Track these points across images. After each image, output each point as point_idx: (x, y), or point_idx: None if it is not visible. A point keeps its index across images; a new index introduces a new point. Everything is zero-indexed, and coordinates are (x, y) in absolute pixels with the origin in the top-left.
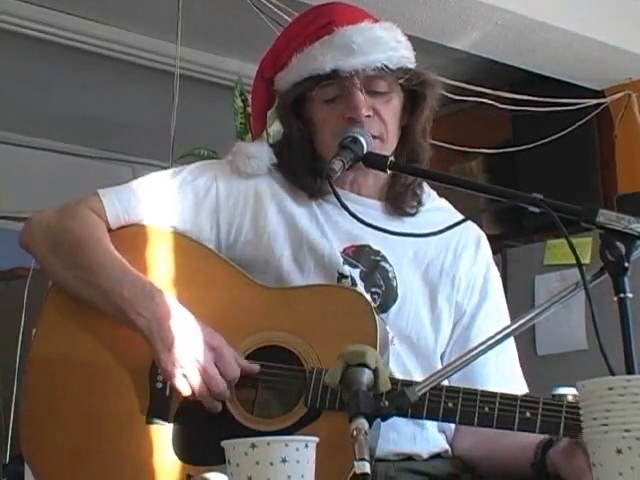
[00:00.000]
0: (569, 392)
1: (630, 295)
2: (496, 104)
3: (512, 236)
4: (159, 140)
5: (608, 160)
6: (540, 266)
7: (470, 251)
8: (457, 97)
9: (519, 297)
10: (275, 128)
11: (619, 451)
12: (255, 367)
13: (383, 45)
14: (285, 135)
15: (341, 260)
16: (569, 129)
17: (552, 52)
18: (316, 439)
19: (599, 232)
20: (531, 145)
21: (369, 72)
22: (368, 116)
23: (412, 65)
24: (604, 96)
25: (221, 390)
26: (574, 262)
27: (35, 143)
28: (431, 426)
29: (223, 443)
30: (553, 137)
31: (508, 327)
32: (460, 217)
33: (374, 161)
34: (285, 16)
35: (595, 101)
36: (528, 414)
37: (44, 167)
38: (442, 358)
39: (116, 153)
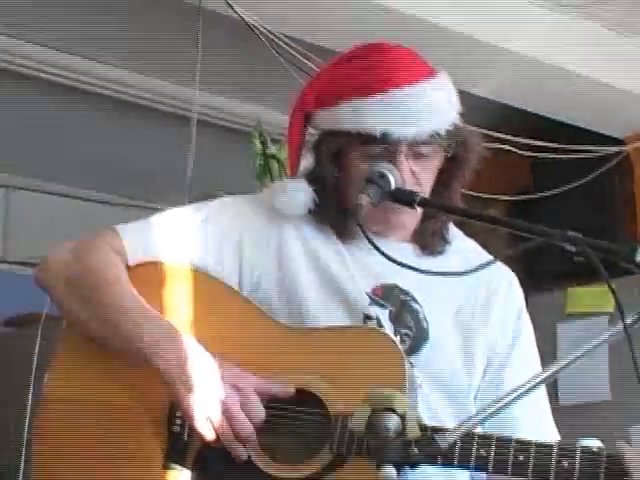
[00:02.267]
0: (593, 444)
1: None
2: (515, 150)
3: (530, 284)
4: (176, 186)
5: (629, 208)
6: (562, 315)
7: (503, 292)
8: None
9: (542, 345)
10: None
11: None
12: (290, 389)
13: (437, 111)
14: (317, 175)
15: (367, 301)
16: (589, 176)
17: (572, 99)
18: None
19: (621, 280)
20: (551, 192)
21: (419, 139)
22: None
23: (458, 122)
24: (624, 143)
25: (247, 434)
26: (597, 310)
27: (50, 188)
28: (462, 477)
29: None
30: (573, 185)
31: (537, 376)
32: (488, 256)
33: (402, 197)
34: (305, 61)
35: (615, 149)
36: (566, 464)
37: (59, 213)
38: (475, 401)
39: (132, 199)
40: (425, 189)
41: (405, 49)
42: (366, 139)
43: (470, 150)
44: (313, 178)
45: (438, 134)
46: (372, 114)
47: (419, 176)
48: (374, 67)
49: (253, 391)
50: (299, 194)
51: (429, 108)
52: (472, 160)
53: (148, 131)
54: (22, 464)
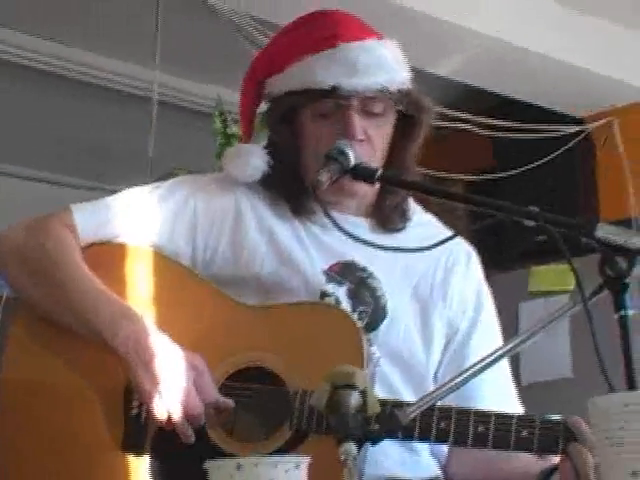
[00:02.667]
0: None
1: (631, 312)
2: (477, 130)
3: (492, 264)
4: (137, 167)
5: (590, 187)
6: (524, 293)
7: (461, 266)
8: (437, 123)
9: (504, 324)
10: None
11: (635, 474)
12: (230, 402)
13: (386, 66)
14: (271, 141)
15: (324, 278)
16: (551, 156)
17: (533, 78)
18: (308, 459)
19: (583, 259)
20: (512, 172)
21: (368, 93)
22: (361, 140)
23: (408, 87)
24: (586, 123)
25: (198, 413)
26: (558, 289)
27: (8, 170)
28: (422, 450)
29: (207, 464)
30: (535, 164)
31: (499, 349)
32: (447, 232)
33: (362, 173)
34: (267, 40)
35: (577, 128)
36: (525, 433)
37: (17, 194)
38: (436, 377)
39: (93, 180)
40: (377, 149)
41: (353, 15)
42: (316, 95)
43: (423, 112)
44: (268, 146)
45: (388, 90)
46: (321, 68)
47: (371, 134)
48: (322, 26)
49: (206, 371)
50: (253, 157)
51: (378, 61)
52: (425, 123)
53: (109, 112)
54: None
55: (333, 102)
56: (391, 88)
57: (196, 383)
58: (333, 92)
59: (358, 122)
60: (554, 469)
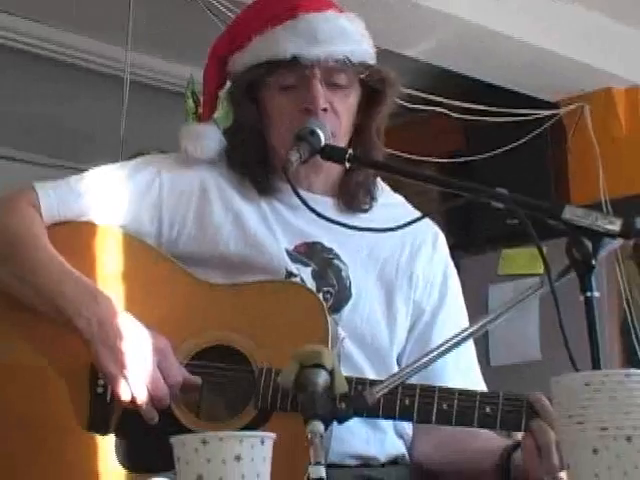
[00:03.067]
0: None
1: (597, 294)
2: (449, 113)
3: (464, 247)
4: (108, 146)
5: (561, 171)
6: (494, 276)
7: (427, 248)
8: (410, 106)
9: (473, 307)
10: (220, 114)
11: (595, 451)
12: (197, 380)
13: (348, 37)
14: (236, 120)
15: (289, 259)
16: (522, 140)
17: (506, 62)
18: (273, 435)
19: (554, 241)
20: (484, 155)
21: (331, 63)
22: (324, 109)
23: (373, 61)
24: (558, 107)
25: (163, 395)
26: (528, 272)
27: None
28: (388, 428)
29: (172, 439)
30: (506, 147)
31: (467, 329)
32: (416, 213)
33: (332, 154)
34: None
35: (548, 112)
36: (488, 409)
37: None
38: (400, 358)
39: (64, 160)
40: (342, 120)
41: None
42: (277, 65)
43: (388, 85)
44: (234, 125)
45: (350, 60)
46: (282, 39)
47: (336, 106)
48: (283, 0)
49: (171, 352)
50: (207, 137)
51: (340, 31)
52: (390, 96)
53: (80, 91)
54: None
55: (295, 73)
56: (354, 59)
57: (161, 365)
58: (294, 62)
59: (321, 92)
60: (516, 446)
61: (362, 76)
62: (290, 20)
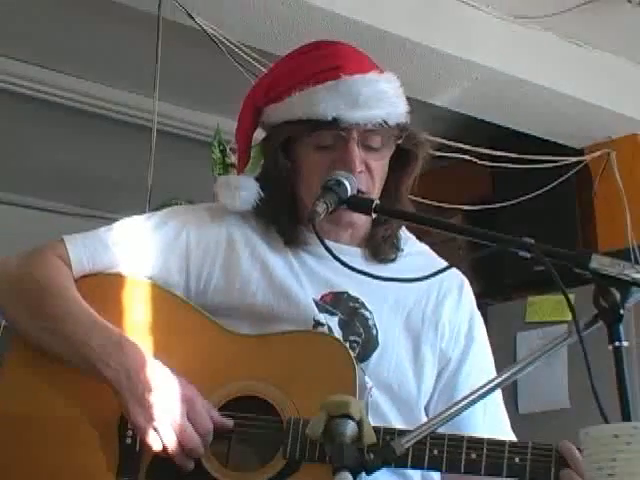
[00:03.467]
0: None
1: (626, 343)
2: (475, 161)
3: (491, 294)
4: (135, 196)
5: (588, 218)
6: (521, 323)
7: (453, 296)
8: (436, 153)
9: (500, 354)
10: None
11: None
12: (229, 422)
13: (386, 100)
14: (267, 172)
15: (317, 308)
16: (549, 186)
17: (531, 109)
18: None
19: (581, 289)
20: (510, 202)
21: (368, 126)
22: (360, 171)
23: (406, 120)
24: (584, 154)
25: (195, 445)
26: (555, 319)
27: (9, 199)
28: (415, 477)
29: None
30: (533, 194)
31: (495, 379)
32: (442, 262)
33: (359, 204)
34: (264, 69)
35: (575, 159)
36: (517, 459)
37: (18, 223)
38: (427, 408)
39: (92, 209)
40: (376, 183)
41: (356, 48)
42: (316, 125)
43: (419, 146)
44: (263, 175)
45: (388, 124)
46: (323, 99)
47: (370, 167)
48: (325, 57)
49: (200, 400)
50: (243, 189)
51: (379, 95)
52: (420, 157)
53: (107, 141)
54: None
55: (333, 134)
56: (390, 122)
57: (190, 415)
58: (334, 123)
59: (358, 155)
60: None
61: (399, 142)
62: (332, 80)
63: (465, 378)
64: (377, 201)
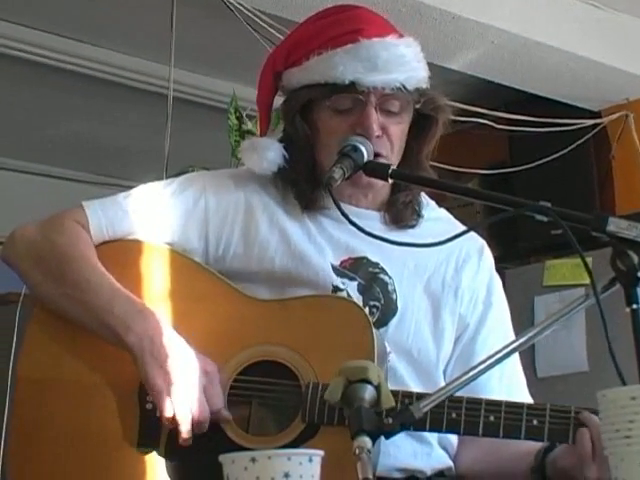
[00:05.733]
0: None
1: None
2: (492, 124)
3: (509, 258)
4: (152, 163)
5: (605, 180)
6: (539, 287)
7: (473, 261)
8: (453, 118)
9: (518, 318)
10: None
11: None
12: (228, 417)
13: (405, 64)
14: (287, 136)
15: (335, 274)
16: (566, 149)
17: (548, 72)
18: (321, 452)
19: (599, 252)
20: (527, 166)
21: (387, 90)
22: (378, 136)
23: (426, 85)
24: (601, 116)
25: (204, 419)
26: (573, 282)
27: (24, 167)
28: (433, 441)
29: (221, 457)
30: (550, 158)
31: (513, 342)
32: (461, 227)
33: (375, 170)
34: (280, 36)
35: (592, 122)
36: (535, 422)
37: (33, 191)
38: (444, 373)
39: (109, 177)
40: (395, 147)
41: (375, 12)
42: (335, 89)
43: (439, 111)
44: (283, 140)
45: (406, 88)
46: (341, 63)
47: (389, 132)
48: (344, 21)
49: (218, 377)
50: (268, 151)
51: (398, 59)
52: (441, 122)
53: (124, 109)
54: (2, 442)
55: (351, 97)
56: (409, 86)
57: (206, 390)
58: (352, 87)
59: (376, 118)
60: (552, 446)
61: (417, 106)
62: (351, 44)
63: (482, 343)
64: (393, 166)
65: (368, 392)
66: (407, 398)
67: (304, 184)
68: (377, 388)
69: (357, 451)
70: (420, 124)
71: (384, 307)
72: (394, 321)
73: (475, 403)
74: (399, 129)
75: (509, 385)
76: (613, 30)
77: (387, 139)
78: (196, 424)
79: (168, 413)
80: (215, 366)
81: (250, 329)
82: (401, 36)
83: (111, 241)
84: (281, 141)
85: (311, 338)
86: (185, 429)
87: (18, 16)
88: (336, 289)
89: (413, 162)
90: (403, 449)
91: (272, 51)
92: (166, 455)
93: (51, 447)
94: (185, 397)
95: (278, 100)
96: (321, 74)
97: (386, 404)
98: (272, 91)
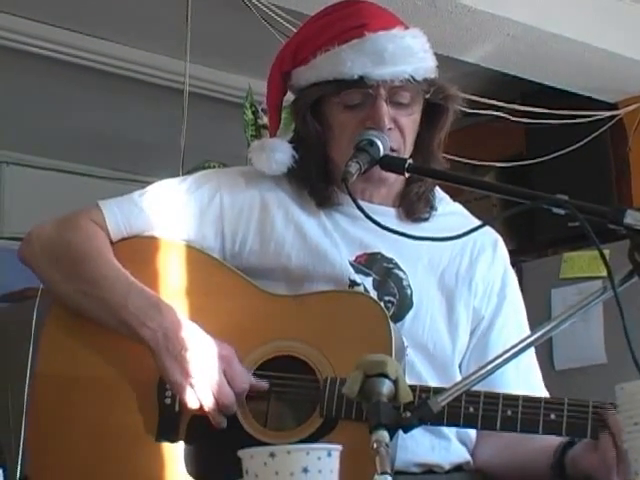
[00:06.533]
0: None
1: None
2: (509, 117)
3: (526, 251)
4: (169, 158)
5: (622, 172)
6: (556, 280)
7: (487, 255)
8: (469, 110)
9: (535, 311)
10: (280, 127)
11: None
12: (264, 384)
13: (412, 55)
14: (298, 133)
15: (352, 269)
16: (583, 142)
17: (565, 64)
18: (339, 447)
19: (616, 244)
20: (544, 158)
21: (396, 83)
22: (390, 128)
23: (435, 75)
24: (618, 108)
25: (229, 402)
26: (590, 275)
27: (44, 163)
28: (451, 435)
29: (240, 453)
30: (567, 150)
31: (530, 336)
32: (475, 221)
33: (391, 164)
34: (294, 29)
35: (609, 113)
36: (553, 416)
37: (53, 187)
38: (460, 366)
39: (125, 172)
40: (407, 139)
41: (379, 6)
42: (344, 85)
43: (449, 100)
44: (295, 138)
45: (415, 79)
46: (348, 58)
47: (400, 124)
48: (349, 17)
49: (236, 359)
50: (277, 152)
51: (405, 51)
52: (452, 111)
53: (140, 104)
54: (22, 438)
55: (361, 92)
56: (418, 77)
57: (226, 373)
58: (361, 82)
59: (387, 111)
60: (571, 442)
61: (427, 96)
62: (357, 39)
63: (497, 336)
64: (410, 160)
65: (386, 386)
66: (425, 393)
67: (317, 180)
68: (395, 382)
69: (375, 445)
70: (430, 114)
71: (399, 302)
72: (409, 316)
73: (492, 397)
74: (410, 120)
75: (525, 380)
76: (630, 21)
77: (399, 132)
78: (222, 407)
79: (192, 404)
80: (232, 349)
81: (267, 324)
82: (406, 28)
83: (127, 238)
84: (291, 142)
85: (328, 333)
86: (213, 415)
87: (38, 14)
88: (353, 284)
89: (425, 153)
90: (421, 443)
91: (279, 51)
92: (185, 449)
93: (71, 441)
94: (205, 386)
95: (289, 99)
96: (329, 71)
97: (404, 398)
98: (281, 91)
